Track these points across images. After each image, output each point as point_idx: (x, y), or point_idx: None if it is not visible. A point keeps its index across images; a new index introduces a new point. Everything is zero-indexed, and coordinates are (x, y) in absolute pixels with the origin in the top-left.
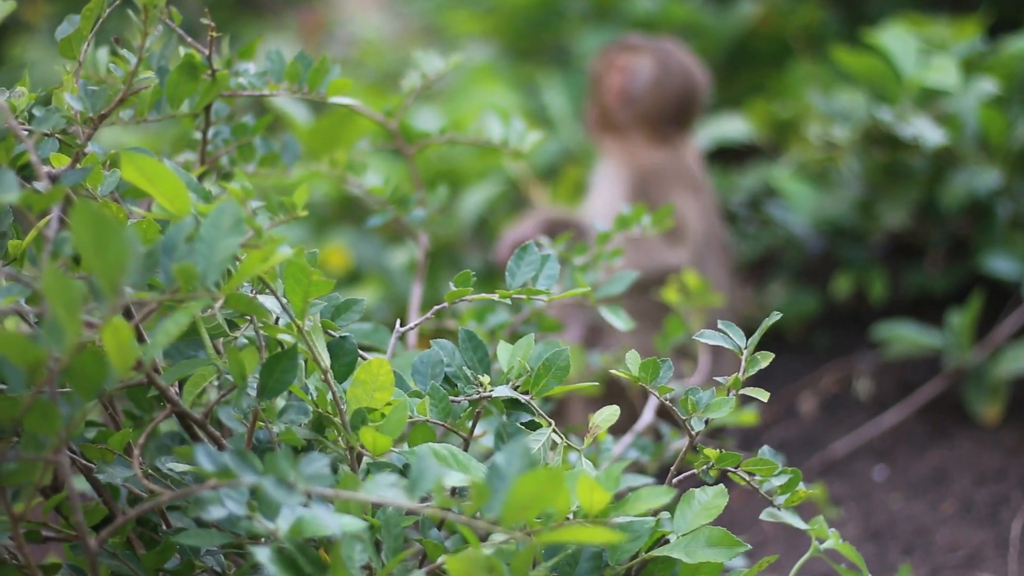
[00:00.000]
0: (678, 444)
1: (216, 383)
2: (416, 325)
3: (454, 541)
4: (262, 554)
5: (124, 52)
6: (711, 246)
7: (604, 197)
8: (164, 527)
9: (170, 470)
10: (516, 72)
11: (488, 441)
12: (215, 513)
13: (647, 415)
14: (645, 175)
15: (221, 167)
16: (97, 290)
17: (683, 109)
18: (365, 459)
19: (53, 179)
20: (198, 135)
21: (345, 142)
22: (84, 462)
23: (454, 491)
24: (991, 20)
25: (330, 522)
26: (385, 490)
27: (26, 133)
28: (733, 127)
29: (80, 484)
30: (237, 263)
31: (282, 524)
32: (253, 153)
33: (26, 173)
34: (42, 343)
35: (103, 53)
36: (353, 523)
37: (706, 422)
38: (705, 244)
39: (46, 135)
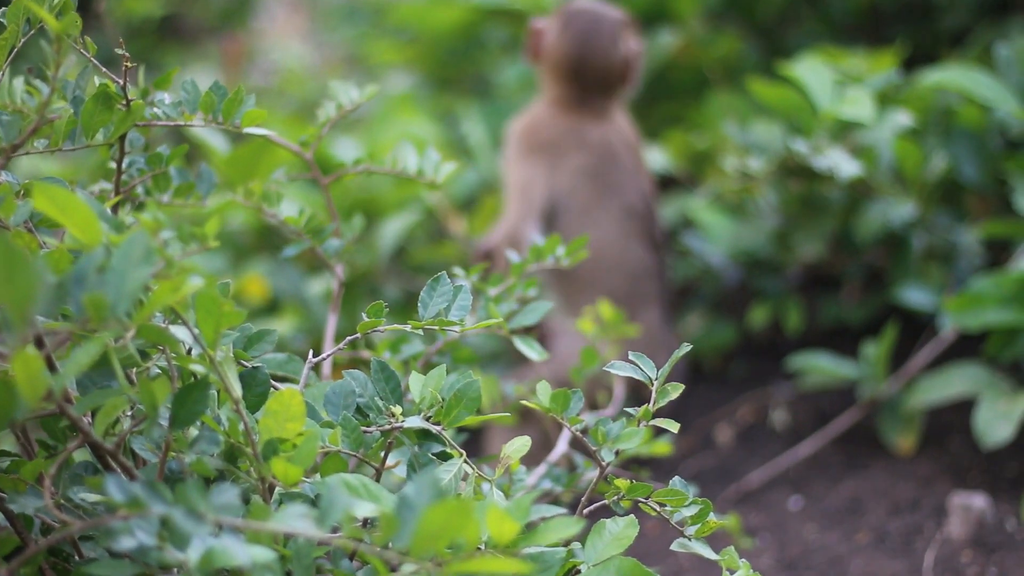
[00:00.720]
0: (591, 474)
1: (129, 413)
2: (329, 356)
3: (366, 572)
4: None
5: (38, 82)
6: (611, 220)
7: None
8: (77, 557)
9: (83, 500)
10: (436, 102)
11: (401, 471)
12: (125, 543)
13: (561, 445)
14: (530, 141)
15: (136, 196)
16: (6, 320)
17: (577, 70)
18: (277, 489)
19: None
20: (114, 164)
21: (264, 171)
22: None
23: (365, 522)
24: (906, 53)
25: (240, 553)
26: (295, 520)
27: None
28: (650, 158)
29: None
30: (149, 293)
31: (192, 555)
32: (169, 183)
33: None
34: None
35: (19, 82)
36: (263, 554)
37: (616, 453)
38: (584, 214)
39: None
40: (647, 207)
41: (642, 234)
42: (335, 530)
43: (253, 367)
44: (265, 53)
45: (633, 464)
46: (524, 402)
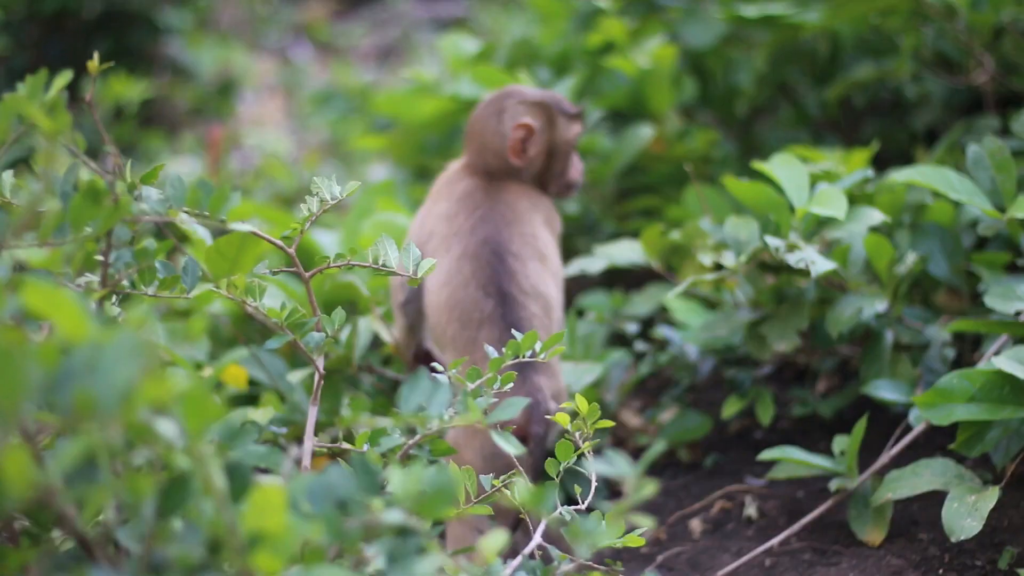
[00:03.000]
0: (567, 567)
1: (114, 503)
2: (310, 449)
3: None
4: None
5: (28, 177)
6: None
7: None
8: None
9: None
10: (413, 191)
11: (380, 563)
12: None
13: (537, 536)
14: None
15: (123, 288)
16: None
17: (465, 137)
18: None
19: None
20: (100, 257)
21: (247, 262)
22: None
23: None
24: (879, 150)
25: None
26: None
27: None
28: (626, 250)
29: None
30: (136, 388)
31: None
32: (154, 275)
33: None
34: None
35: (8, 175)
36: None
37: (593, 547)
38: (432, 254)
39: None
40: (499, 258)
41: (484, 281)
42: None
43: (236, 461)
44: (245, 137)
45: (607, 557)
46: (503, 497)
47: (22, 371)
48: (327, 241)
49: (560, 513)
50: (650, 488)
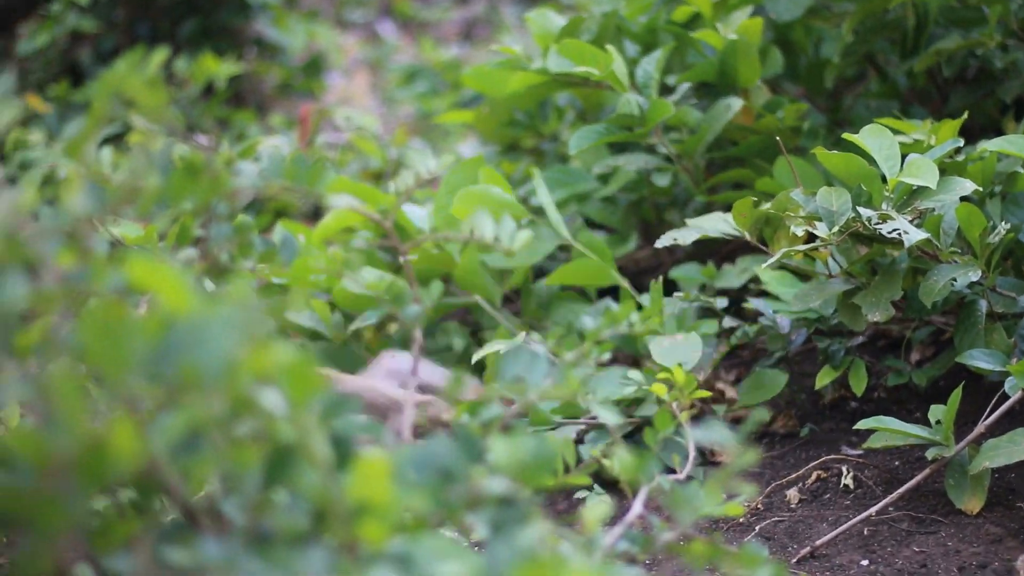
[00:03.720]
0: (667, 536)
1: (218, 475)
2: (411, 421)
3: None
4: None
5: (128, 152)
6: None
7: None
8: None
9: (173, 560)
10: (502, 166)
11: (482, 533)
12: None
13: (636, 506)
14: None
15: (221, 263)
16: (103, 386)
17: None
18: (363, 551)
19: (61, 277)
20: (199, 231)
21: (344, 233)
22: (89, 551)
23: None
24: (966, 122)
25: None
26: None
27: (34, 232)
28: (717, 222)
29: (84, 574)
30: (239, 360)
31: None
32: (252, 250)
33: (34, 271)
34: (49, 437)
35: (106, 152)
36: None
37: (693, 516)
38: None
39: (52, 233)
40: None
41: None
42: None
43: (338, 431)
44: (333, 115)
45: (704, 526)
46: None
47: (127, 344)
48: (419, 215)
49: (659, 482)
50: (751, 456)
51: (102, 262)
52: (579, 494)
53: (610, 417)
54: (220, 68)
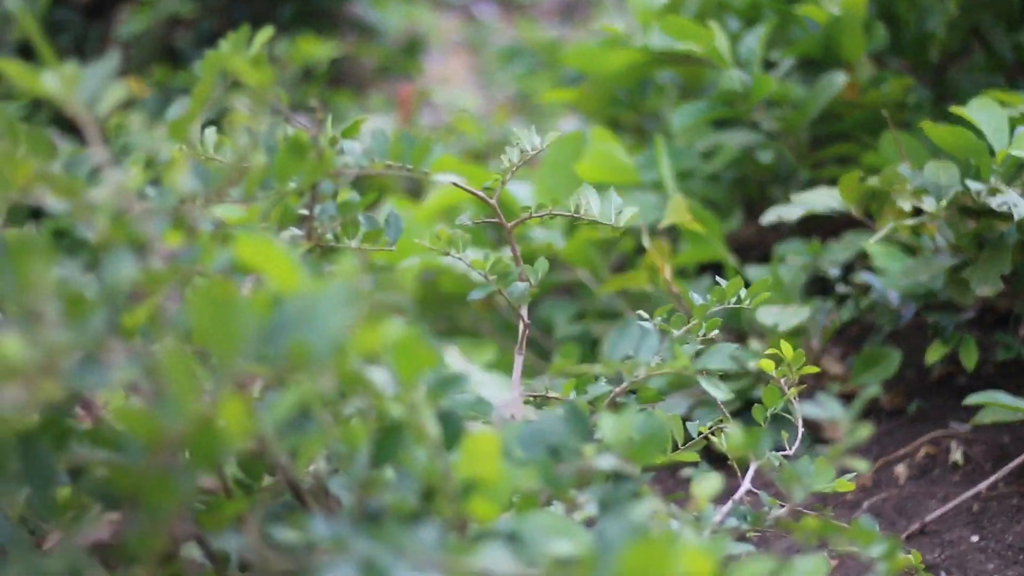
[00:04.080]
0: (777, 512)
1: (325, 453)
2: (518, 398)
3: None
4: None
5: (234, 133)
6: None
7: None
8: None
9: (281, 538)
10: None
11: (591, 510)
12: None
13: (746, 482)
14: None
15: (327, 243)
16: (214, 364)
17: None
18: (472, 528)
19: (169, 257)
20: (303, 211)
21: (445, 213)
22: (198, 531)
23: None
24: None
25: None
26: (495, 557)
27: (142, 212)
28: (823, 197)
29: (189, 552)
30: (348, 338)
31: None
32: (357, 229)
33: (141, 251)
34: (160, 416)
35: (211, 132)
36: None
37: (806, 492)
38: None
39: (159, 214)
40: None
41: None
42: (531, 567)
43: (447, 408)
44: (432, 96)
45: (816, 502)
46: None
47: (236, 323)
48: (522, 193)
49: (768, 459)
50: (864, 431)
51: (209, 241)
52: (686, 471)
53: (719, 393)
54: (319, 50)
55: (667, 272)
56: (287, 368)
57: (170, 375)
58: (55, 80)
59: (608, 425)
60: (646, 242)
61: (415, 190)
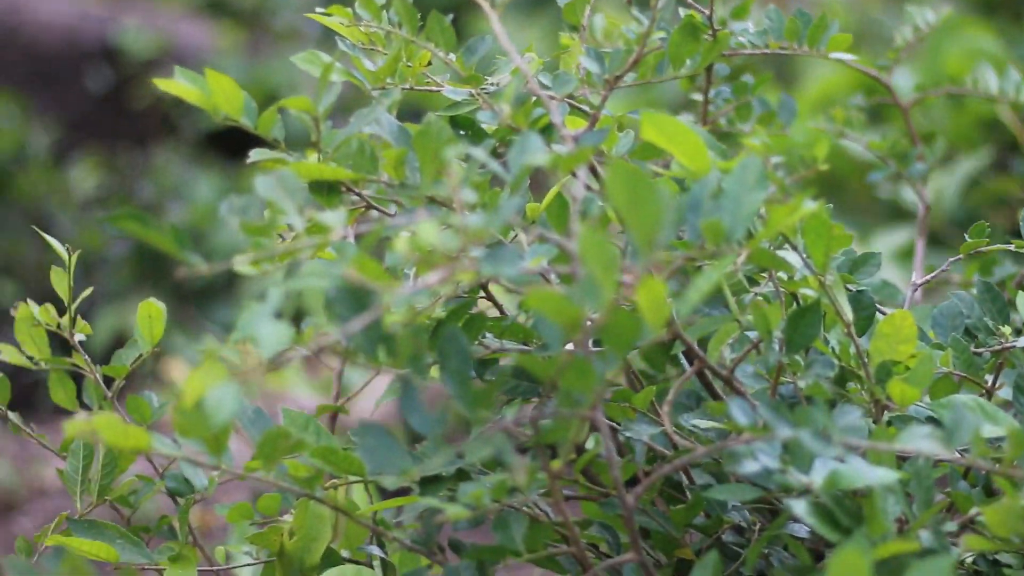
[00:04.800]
0: None
1: (729, 342)
2: (927, 281)
3: (979, 493)
4: (799, 507)
5: (636, 13)
6: None
7: None
8: (687, 483)
9: (694, 426)
10: (984, 25)
11: (1006, 394)
12: (748, 467)
13: None
14: None
15: (720, 127)
16: (633, 247)
17: None
18: (887, 412)
19: (575, 141)
20: (695, 96)
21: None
22: (607, 420)
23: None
24: None
25: (868, 474)
26: (921, 441)
27: (545, 97)
28: None
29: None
30: (759, 219)
31: (816, 477)
32: (750, 112)
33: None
34: (578, 301)
35: (599, 19)
36: (887, 475)
37: None
38: None
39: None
40: None
41: None
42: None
43: (858, 290)
44: None
45: None
46: None
47: (655, 202)
48: (904, 77)
49: None
50: None
51: (611, 125)
52: None
53: None
54: None
55: None
56: (702, 249)
57: (588, 259)
58: None
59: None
60: None
61: (783, 78)
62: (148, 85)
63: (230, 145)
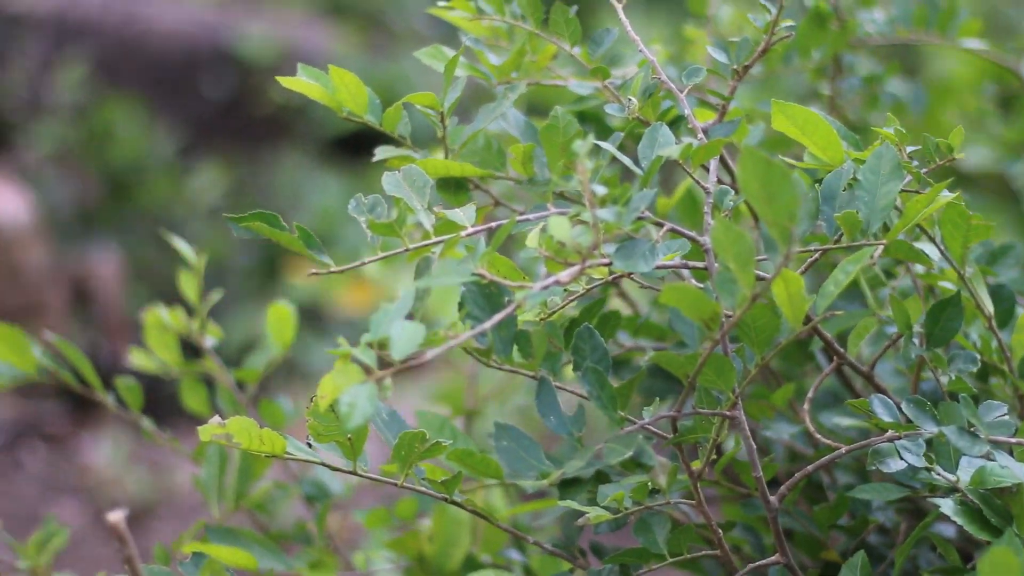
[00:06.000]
0: None
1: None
2: None
3: None
4: (946, 506)
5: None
6: None
7: None
8: (829, 482)
9: (835, 425)
10: None
11: None
12: (893, 466)
13: None
14: None
15: (848, 119)
16: (769, 240)
17: None
18: None
19: (705, 133)
20: (821, 88)
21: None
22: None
23: None
24: None
25: (1017, 471)
26: None
27: (674, 89)
28: None
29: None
30: (895, 210)
31: (963, 475)
32: (878, 103)
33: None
34: (715, 297)
35: (725, 10)
36: None
37: None
38: None
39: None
40: None
41: None
42: None
43: (998, 283)
44: None
45: None
46: None
47: (791, 192)
48: None
49: None
50: None
51: (743, 116)
52: None
53: None
54: None
55: None
56: (837, 242)
57: (723, 253)
58: None
59: None
60: None
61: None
62: (270, 92)
63: (351, 152)
